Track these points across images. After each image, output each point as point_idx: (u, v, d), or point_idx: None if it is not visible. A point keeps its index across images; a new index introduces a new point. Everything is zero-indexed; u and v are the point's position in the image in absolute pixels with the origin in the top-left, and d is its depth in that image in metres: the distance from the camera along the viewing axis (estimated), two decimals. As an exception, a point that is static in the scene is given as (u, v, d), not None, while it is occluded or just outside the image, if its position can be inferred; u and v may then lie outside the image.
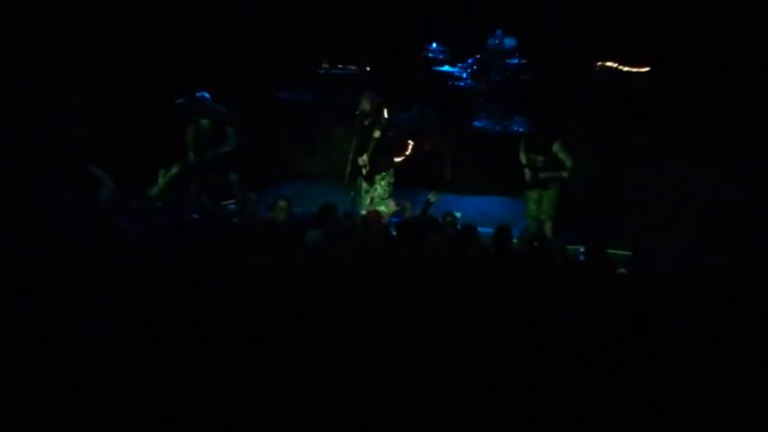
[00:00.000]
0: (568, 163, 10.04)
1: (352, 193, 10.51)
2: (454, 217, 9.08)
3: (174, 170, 9.98)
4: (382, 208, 10.11)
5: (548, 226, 10.24)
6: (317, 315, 5.88)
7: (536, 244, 7.80)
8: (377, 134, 10.04)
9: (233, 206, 9.41)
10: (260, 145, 13.16)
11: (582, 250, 8.04)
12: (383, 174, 10.35)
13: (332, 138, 13.65)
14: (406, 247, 7.48)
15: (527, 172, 10.28)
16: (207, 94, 11.08)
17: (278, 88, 13.74)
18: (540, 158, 10.17)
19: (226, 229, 7.77)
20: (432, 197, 9.14)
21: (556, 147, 10.11)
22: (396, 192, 10.59)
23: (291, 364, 5.38)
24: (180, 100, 11.35)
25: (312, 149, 13.94)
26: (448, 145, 13.10)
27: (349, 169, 10.31)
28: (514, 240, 8.37)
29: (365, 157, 10.20)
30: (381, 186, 10.37)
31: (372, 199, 10.34)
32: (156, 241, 7.23)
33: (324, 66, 13.87)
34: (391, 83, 13.34)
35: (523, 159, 10.37)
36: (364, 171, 10.31)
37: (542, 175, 10.19)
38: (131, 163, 11.06)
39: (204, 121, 11.13)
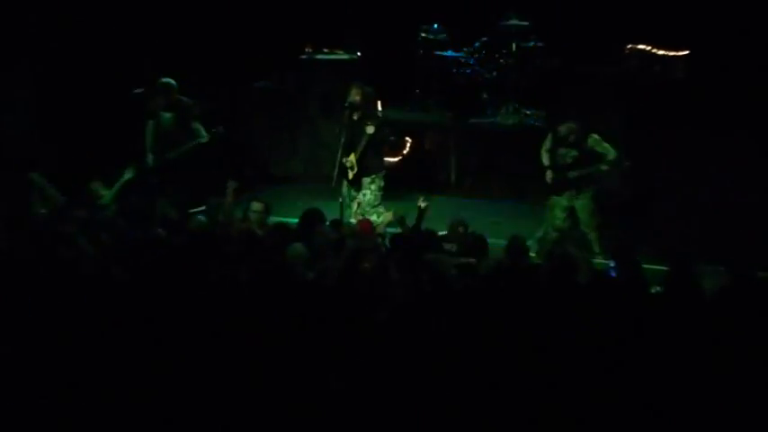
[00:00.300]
0: (612, 155, 9.91)
1: (340, 199, 10.44)
2: (466, 227, 9.00)
3: (128, 174, 9.84)
4: (374, 217, 10.02)
5: (593, 237, 10.15)
6: (298, 344, 5.91)
7: (557, 257, 7.71)
8: (369, 130, 10.00)
9: (203, 216, 9.29)
10: (233, 142, 13.08)
11: (612, 265, 7.97)
12: (373, 176, 10.32)
13: (317, 134, 13.66)
14: (403, 265, 7.40)
15: (549, 174, 10.14)
16: (173, 82, 11.04)
17: (254, 76, 13.84)
18: (572, 154, 10.05)
19: (196, 246, 7.74)
20: (422, 203, 9.04)
21: (592, 140, 9.97)
22: (387, 197, 10.58)
23: (272, 397, 5.66)
24: (138, 90, 11.28)
25: (294, 148, 13.89)
26: (452, 142, 13.14)
27: (337, 171, 10.28)
28: (532, 254, 8.30)
29: (352, 157, 10.16)
30: (371, 191, 10.33)
31: (360, 205, 10.28)
32: (110, 261, 7.28)
33: (307, 50, 13.81)
34: (385, 70, 13.37)
35: (546, 159, 10.27)
36: (351, 173, 10.28)
37: (572, 173, 10.07)
38: (79, 166, 11.09)
39: (167, 116, 11.02)
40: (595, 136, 10.05)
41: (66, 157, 11.59)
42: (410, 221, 9.15)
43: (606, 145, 10.00)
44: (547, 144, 10.33)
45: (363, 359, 5.88)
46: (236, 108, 13.65)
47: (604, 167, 9.95)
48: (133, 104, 11.12)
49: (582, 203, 10.21)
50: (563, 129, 10.15)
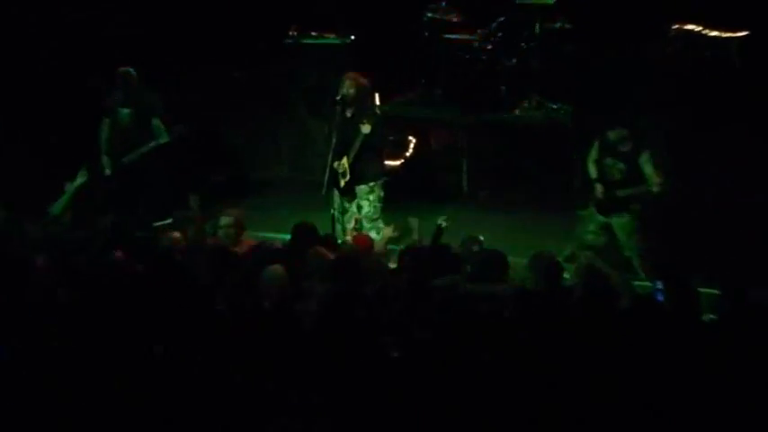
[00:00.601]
0: (654, 180, 9.84)
1: (332, 211, 10.43)
2: (480, 244, 8.98)
3: (80, 179, 9.81)
4: (374, 234, 10.00)
5: (635, 259, 10.10)
6: (287, 386, 6.00)
7: (593, 280, 7.74)
8: (365, 129, 9.99)
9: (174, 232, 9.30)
10: (203, 144, 13.19)
11: (659, 287, 7.94)
12: (371, 184, 10.32)
13: (303, 134, 13.66)
14: (413, 288, 7.45)
15: (599, 188, 10.17)
16: (132, 71, 11.02)
17: (228, 65, 13.83)
18: (620, 167, 10.06)
19: (166, 273, 7.81)
20: (443, 221, 9.02)
21: (644, 158, 9.91)
22: (386, 208, 10.57)
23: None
24: (93, 81, 11.26)
25: (277, 150, 13.92)
26: (463, 143, 13.13)
27: (327, 177, 10.25)
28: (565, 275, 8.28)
29: (345, 161, 10.18)
30: (369, 202, 10.32)
31: (358, 221, 10.31)
32: (61, 292, 7.33)
33: (291, 33, 13.82)
34: (384, 57, 13.33)
35: (594, 171, 10.26)
36: (342, 181, 10.28)
37: (621, 192, 10.08)
38: (25, 171, 11.11)
39: (125, 112, 11.07)
40: (647, 155, 9.93)
41: (9, 160, 11.58)
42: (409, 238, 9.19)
43: (651, 168, 9.88)
44: (594, 154, 10.30)
45: (373, 400, 5.98)
46: (207, 102, 13.62)
47: (655, 188, 9.84)
48: (86, 99, 11.08)
49: (621, 221, 10.21)
50: (612, 135, 10.14)
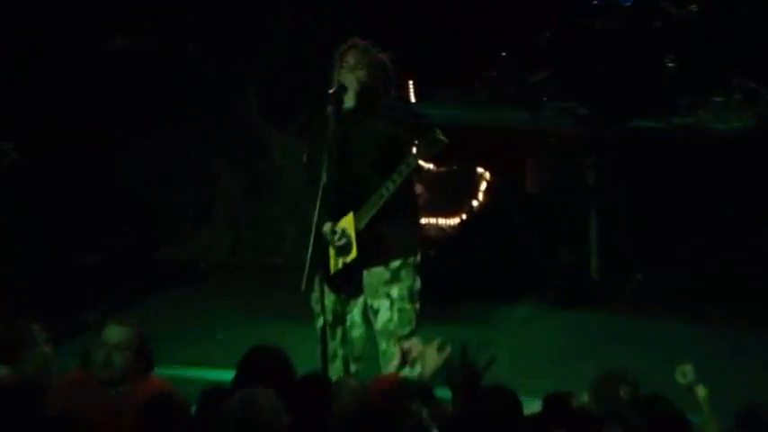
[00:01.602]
0: None
1: (320, 322, 10.46)
2: (636, 387, 8.82)
3: None
4: (407, 371, 9.67)
5: None
6: None
7: None
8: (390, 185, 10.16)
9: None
10: (62, 191, 13.29)
11: None
12: (395, 264, 10.47)
13: (259, 163, 13.71)
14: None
15: None
16: None
17: (110, 28, 14.42)
18: None
19: None
20: None
21: None
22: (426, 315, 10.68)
23: None
24: None
25: (205, 197, 13.96)
26: (590, 177, 13.42)
27: (310, 255, 10.21)
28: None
29: (347, 221, 10.46)
30: (392, 302, 10.52)
31: (352, 341, 10.62)
32: None
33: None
34: (423, 10, 13.60)
35: None
36: (340, 260, 10.45)
37: None
38: None
39: None
40: None
41: None
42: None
43: None
44: None
45: None
46: (76, 107, 14.48)
47: None
48: None
49: None
50: None
